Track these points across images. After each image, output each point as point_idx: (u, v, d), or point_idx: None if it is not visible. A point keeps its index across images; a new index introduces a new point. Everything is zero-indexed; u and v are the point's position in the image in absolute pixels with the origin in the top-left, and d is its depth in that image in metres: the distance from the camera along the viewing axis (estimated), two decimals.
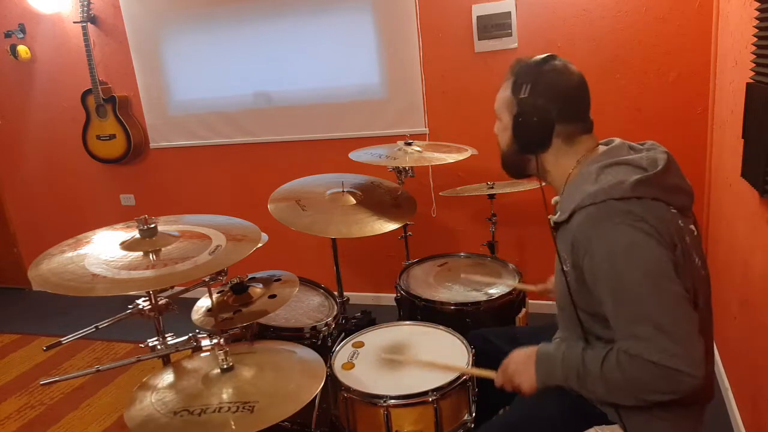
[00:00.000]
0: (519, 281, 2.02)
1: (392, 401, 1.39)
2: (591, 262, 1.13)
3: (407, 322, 1.77)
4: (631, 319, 1.10)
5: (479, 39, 2.82)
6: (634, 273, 1.08)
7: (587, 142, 1.28)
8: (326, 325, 1.92)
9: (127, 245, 1.48)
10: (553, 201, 1.41)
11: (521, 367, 1.32)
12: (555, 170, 1.31)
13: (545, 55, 1.30)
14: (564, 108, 1.25)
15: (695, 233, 1.19)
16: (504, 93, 1.33)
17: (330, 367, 1.52)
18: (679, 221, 1.15)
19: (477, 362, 1.51)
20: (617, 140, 1.29)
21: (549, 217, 1.30)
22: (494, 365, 1.56)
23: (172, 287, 1.50)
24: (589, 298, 1.19)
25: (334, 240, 2.32)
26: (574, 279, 1.20)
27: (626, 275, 1.09)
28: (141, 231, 1.49)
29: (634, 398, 1.15)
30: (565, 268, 1.22)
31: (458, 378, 1.43)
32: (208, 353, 1.49)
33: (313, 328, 1.89)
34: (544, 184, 1.40)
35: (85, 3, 3.34)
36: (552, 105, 1.25)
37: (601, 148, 1.28)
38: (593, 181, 1.17)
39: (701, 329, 1.11)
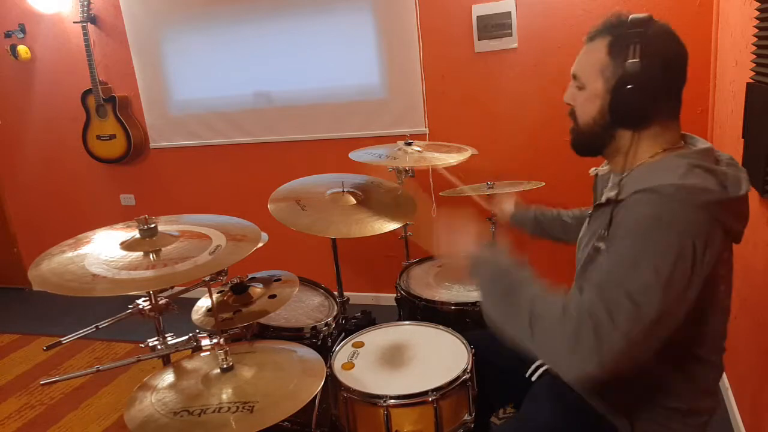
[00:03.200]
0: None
1: (392, 401, 1.39)
2: (626, 233, 1.04)
3: (407, 322, 1.77)
4: (610, 282, 1.01)
5: (479, 39, 2.82)
6: (658, 268, 0.99)
7: (676, 129, 1.16)
8: (326, 325, 1.92)
9: (127, 245, 1.48)
10: (592, 171, 1.33)
11: (469, 233, 1.28)
12: (635, 154, 1.16)
13: (646, 14, 1.13)
14: (672, 79, 1.11)
15: (731, 267, 1.13)
16: (595, 55, 1.15)
17: (330, 367, 1.52)
18: (725, 253, 1.08)
19: (476, 365, 1.51)
20: (705, 142, 1.17)
21: (604, 193, 1.19)
22: (493, 368, 1.55)
23: (172, 287, 1.50)
24: None
25: (334, 240, 2.32)
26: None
27: (637, 247, 1.00)
28: (141, 231, 1.49)
29: (517, 331, 1.09)
30: (601, 247, 1.13)
31: (458, 378, 1.43)
32: (208, 353, 1.49)
33: (313, 328, 1.89)
34: (602, 167, 1.30)
35: (85, 3, 3.34)
36: (663, 75, 1.09)
37: (691, 145, 1.17)
38: (680, 175, 1.05)
39: (710, 354, 1.12)
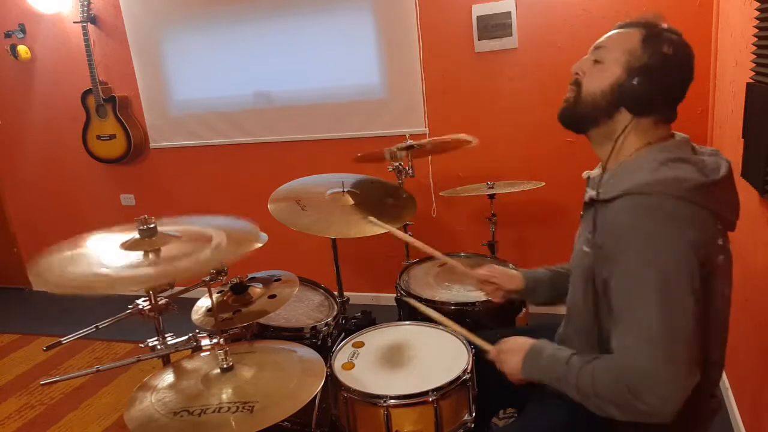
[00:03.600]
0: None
1: (392, 401, 1.39)
2: (617, 251, 1.08)
3: (407, 322, 1.77)
4: (627, 323, 1.06)
5: (479, 39, 2.82)
6: (654, 276, 1.03)
7: (666, 130, 1.20)
8: (326, 325, 1.92)
9: (127, 245, 1.48)
10: (584, 174, 1.35)
11: (512, 351, 1.30)
12: (623, 143, 1.19)
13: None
14: (679, 89, 1.17)
15: (729, 254, 1.14)
16: (627, 38, 1.18)
17: (330, 367, 1.52)
18: (719, 239, 1.09)
19: (476, 365, 1.51)
20: (683, 135, 1.21)
21: (588, 192, 1.23)
22: (493, 368, 1.55)
23: (172, 287, 1.50)
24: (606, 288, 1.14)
25: (334, 240, 2.32)
26: (600, 267, 1.15)
27: (645, 277, 1.04)
28: (141, 231, 1.49)
29: (596, 404, 1.12)
30: (589, 251, 1.17)
31: (458, 378, 1.43)
32: (208, 353, 1.49)
33: (313, 328, 1.89)
34: (595, 170, 1.32)
35: (85, 3, 3.34)
36: (675, 78, 1.15)
37: (672, 140, 1.20)
38: (651, 170, 1.10)
39: (714, 352, 1.11)
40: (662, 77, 1.14)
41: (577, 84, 1.24)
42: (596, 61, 1.21)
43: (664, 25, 1.19)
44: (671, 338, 1.02)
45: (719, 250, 1.10)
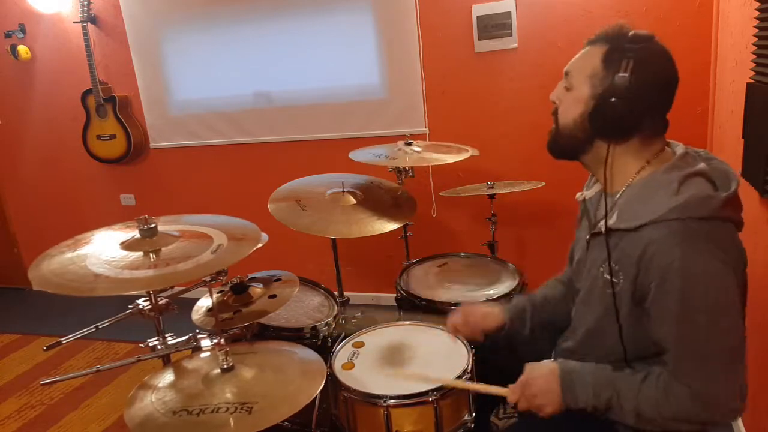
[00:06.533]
0: (518, 283, 2.02)
1: (392, 401, 1.39)
2: (661, 282, 1.05)
3: (407, 322, 1.77)
4: (688, 350, 1.07)
5: (479, 39, 2.82)
6: (704, 303, 1.04)
7: (660, 144, 1.16)
8: (326, 325, 1.92)
9: (127, 245, 1.48)
10: (578, 196, 1.32)
11: (544, 385, 1.22)
12: (618, 166, 1.16)
13: (646, 32, 1.11)
14: (659, 101, 1.12)
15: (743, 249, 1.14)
16: (590, 60, 1.14)
17: (330, 367, 1.52)
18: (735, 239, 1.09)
19: (476, 365, 1.51)
20: (680, 144, 1.18)
21: (605, 221, 1.16)
22: (493, 368, 1.55)
23: (172, 287, 1.50)
24: (639, 314, 1.13)
25: (334, 240, 2.31)
26: (628, 295, 1.12)
27: (697, 306, 1.04)
28: (141, 231, 1.49)
29: (661, 425, 1.12)
30: (615, 281, 1.13)
31: (458, 378, 1.43)
32: (208, 353, 1.49)
33: (313, 328, 1.89)
34: (588, 190, 1.30)
35: (85, 3, 3.34)
36: (650, 94, 1.09)
37: (671, 152, 1.17)
38: (674, 191, 1.05)
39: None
40: (630, 99, 1.08)
41: (555, 114, 1.22)
42: (567, 89, 1.19)
43: (630, 33, 1.12)
44: (730, 358, 1.09)
45: (746, 255, 1.11)
